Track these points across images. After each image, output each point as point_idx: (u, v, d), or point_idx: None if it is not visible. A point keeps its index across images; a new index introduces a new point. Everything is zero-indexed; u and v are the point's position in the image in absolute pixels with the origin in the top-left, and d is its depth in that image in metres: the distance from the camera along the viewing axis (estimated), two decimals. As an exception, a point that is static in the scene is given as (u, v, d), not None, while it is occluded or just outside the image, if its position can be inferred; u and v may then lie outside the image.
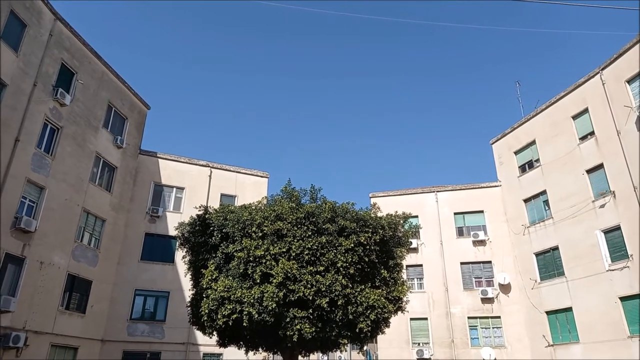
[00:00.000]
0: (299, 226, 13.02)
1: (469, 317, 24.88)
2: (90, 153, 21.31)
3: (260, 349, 15.27)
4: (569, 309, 21.62)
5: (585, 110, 22.38)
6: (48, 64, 18.99)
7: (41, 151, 18.52)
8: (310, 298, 12.12)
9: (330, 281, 12.32)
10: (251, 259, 12.49)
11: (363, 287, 13.10)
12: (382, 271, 13.81)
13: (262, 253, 12.42)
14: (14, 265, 16.91)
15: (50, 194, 18.70)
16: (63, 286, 19.12)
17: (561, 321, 22.06)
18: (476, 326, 24.75)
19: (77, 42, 20.82)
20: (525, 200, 25.29)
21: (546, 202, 24.00)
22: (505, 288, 24.84)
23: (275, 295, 11.85)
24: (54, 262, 18.69)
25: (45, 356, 17.82)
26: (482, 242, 26.06)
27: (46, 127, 18.93)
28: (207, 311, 12.63)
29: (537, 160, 24.92)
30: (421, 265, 26.46)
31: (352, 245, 12.87)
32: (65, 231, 19.39)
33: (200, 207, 15.03)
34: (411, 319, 24.88)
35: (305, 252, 12.59)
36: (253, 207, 14.28)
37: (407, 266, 24.11)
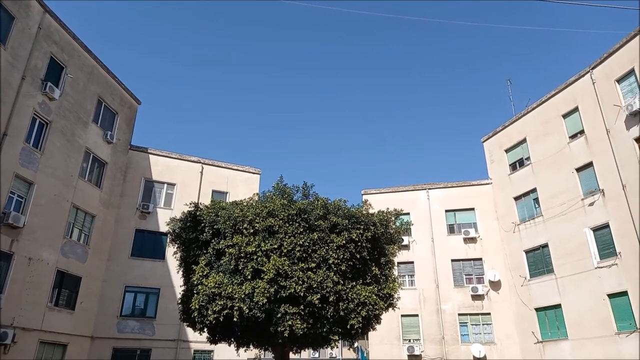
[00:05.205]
0: (291, 223, 13.01)
1: (459, 314, 25.06)
2: (79, 148, 21.08)
3: (251, 345, 15.26)
4: (558, 306, 21.84)
5: (576, 109, 22.55)
6: (37, 58, 18.72)
7: (30, 146, 18.28)
8: (302, 294, 12.12)
9: (321, 278, 12.31)
10: (242, 255, 12.48)
11: (354, 283, 13.13)
12: (374, 268, 13.83)
13: (254, 249, 12.41)
14: (1, 261, 16.69)
15: (39, 190, 18.48)
16: (52, 282, 18.94)
17: (550, 318, 22.29)
18: (466, 323, 24.92)
19: (66, 35, 20.54)
20: (516, 198, 25.47)
21: (536, 200, 24.18)
22: (496, 285, 25.03)
23: (266, 291, 11.84)
24: (43, 258, 18.50)
25: (34, 353, 17.64)
26: (472, 240, 26.23)
27: (35, 121, 18.69)
28: (197, 307, 12.59)
29: (528, 158, 25.10)
30: (412, 262, 26.58)
31: (344, 242, 12.88)
32: (54, 227, 19.18)
33: (191, 203, 14.99)
34: (402, 315, 24.96)
35: (297, 249, 12.58)
36: (244, 204, 14.25)
37: (399, 263, 24.18)
